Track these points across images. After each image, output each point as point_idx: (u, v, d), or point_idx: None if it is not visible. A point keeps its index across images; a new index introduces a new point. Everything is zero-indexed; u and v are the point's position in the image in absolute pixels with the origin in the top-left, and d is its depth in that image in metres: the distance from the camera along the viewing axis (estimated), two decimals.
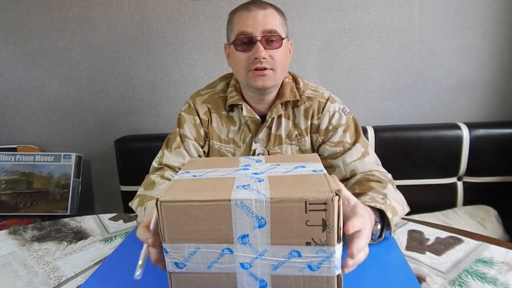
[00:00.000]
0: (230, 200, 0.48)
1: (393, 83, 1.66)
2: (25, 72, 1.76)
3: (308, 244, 0.48)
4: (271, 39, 0.87)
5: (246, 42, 0.88)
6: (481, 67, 1.61)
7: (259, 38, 0.86)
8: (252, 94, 0.95)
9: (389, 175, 0.91)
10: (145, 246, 0.57)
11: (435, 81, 1.64)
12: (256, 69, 0.88)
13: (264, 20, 0.86)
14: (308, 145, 0.98)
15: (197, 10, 1.64)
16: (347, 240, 0.56)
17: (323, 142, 0.97)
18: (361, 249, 0.55)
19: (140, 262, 0.55)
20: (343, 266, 0.52)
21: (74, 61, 1.73)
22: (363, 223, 0.57)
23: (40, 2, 1.67)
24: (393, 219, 0.74)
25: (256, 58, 0.86)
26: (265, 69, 0.88)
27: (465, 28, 1.57)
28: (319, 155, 0.91)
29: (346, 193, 0.60)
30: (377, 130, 1.52)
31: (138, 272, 0.55)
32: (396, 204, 0.78)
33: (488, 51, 1.59)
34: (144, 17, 1.66)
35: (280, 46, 0.89)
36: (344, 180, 0.93)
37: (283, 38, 0.89)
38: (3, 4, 1.68)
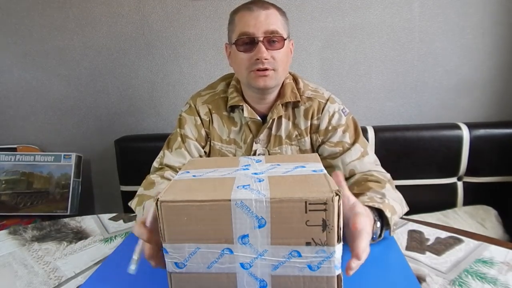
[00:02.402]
0: (230, 200, 0.48)
1: (393, 83, 1.66)
2: (25, 72, 1.76)
3: (308, 244, 0.48)
4: (273, 40, 0.87)
5: (248, 43, 0.88)
6: (481, 67, 1.61)
7: (261, 38, 0.86)
8: (253, 94, 0.95)
9: (388, 175, 0.92)
10: (140, 241, 0.57)
11: (435, 81, 1.64)
12: (258, 70, 0.88)
13: (266, 21, 0.86)
14: (308, 145, 0.98)
15: (197, 10, 1.64)
16: (348, 240, 0.56)
17: (323, 142, 0.97)
18: (364, 249, 0.54)
19: (135, 257, 0.56)
20: (347, 268, 0.52)
21: (74, 61, 1.73)
22: (366, 221, 0.57)
23: (40, 2, 1.67)
24: (392, 218, 0.74)
25: (258, 59, 0.86)
26: (266, 69, 0.87)
27: (465, 28, 1.57)
28: (319, 155, 0.91)
29: (346, 191, 0.60)
30: (377, 130, 1.52)
31: (132, 267, 0.55)
32: (394, 203, 0.78)
33: (488, 51, 1.59)
34: (144, 17, 1.66)
35: (282, 47, 0.89)
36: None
37: (285, 39, 0.89)
38: (3, 4, 1.68)
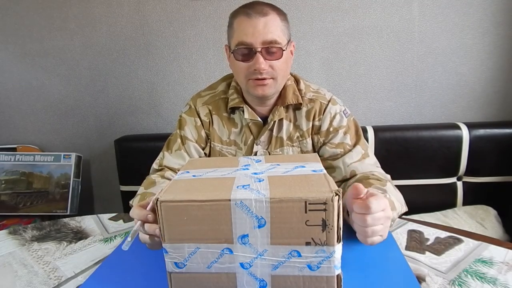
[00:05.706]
0: (230, 200, 0.48)
1: (393, 83, 1.66)
2: (25, 72, 1.76)
3: (308, 244, 0.48)
4: (271, 51, 0.86)
5: (246, 53, 0.86)
6: (481, 67, 1.61)
7: (259, 49, 0.85)
8: (253, 98, 0.95)
9: (388, 176, 0.92)
10: (138, 223, 0.60)
11: (435, 81, 1.64)
12: (257, 79, 0.87)
13: (264, 29, 0.84)
14: (309, 146, 0.98)
15: (197, 10, 1.64)
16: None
17: (324, 144, 0.97)
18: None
19: (129, 239, 0.59)
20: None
21: (74, 61, 1.73)
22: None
23: (40, 2, 1.67)
24: (392, 213, 0.73)
25: (256, 69, 0.86)
26: (265, 79, 0.87)
27: (465, 28, 1.57)
28: (320, 156, 0.91)
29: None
30: (377, 130, 1.52)
31: (126, 247, 0.59)
32: (395, 200, 0.78)
33: (488, 51, 1.59)
34: (144, 17, 1.66)
35: (281, 56, 0.87)
36: (344, 181, 0.93)
37: (284, 50, 0.88)
38: (3, 4, 1.68)
